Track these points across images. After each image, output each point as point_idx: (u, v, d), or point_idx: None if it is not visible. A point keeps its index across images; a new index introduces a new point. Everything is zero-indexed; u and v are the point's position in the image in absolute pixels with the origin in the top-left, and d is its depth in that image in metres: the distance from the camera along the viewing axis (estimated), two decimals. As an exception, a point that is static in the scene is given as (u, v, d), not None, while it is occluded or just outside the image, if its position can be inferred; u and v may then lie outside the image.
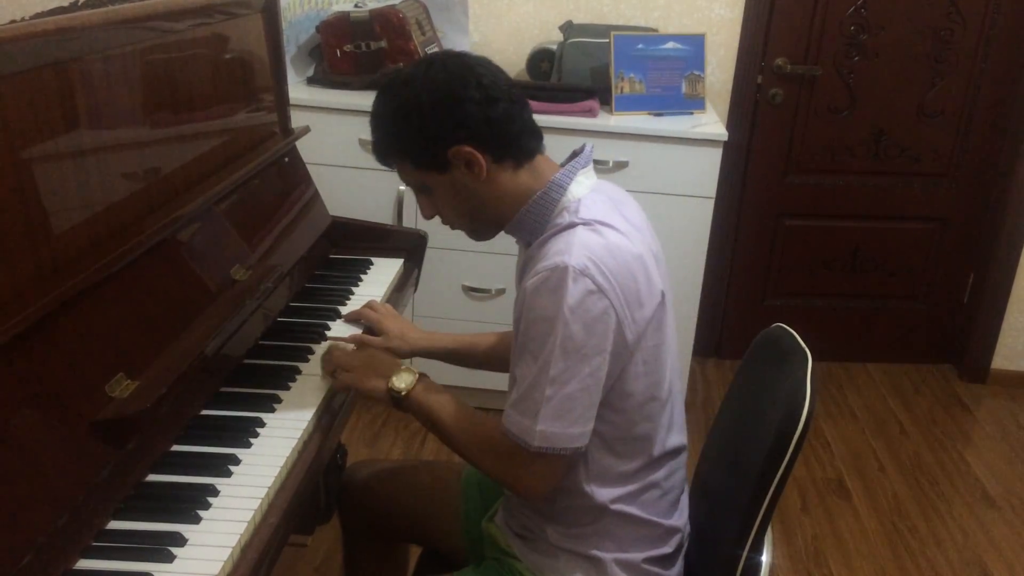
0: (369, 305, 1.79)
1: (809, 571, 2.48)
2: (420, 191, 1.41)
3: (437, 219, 1.46)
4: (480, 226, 1.44)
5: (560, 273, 1.25)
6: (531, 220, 1.37)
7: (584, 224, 1.31)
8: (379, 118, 1.38)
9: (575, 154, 1.42)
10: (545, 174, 1.38)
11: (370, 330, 1.77)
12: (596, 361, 1.27)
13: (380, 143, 1.39)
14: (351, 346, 1.60)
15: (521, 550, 1.46)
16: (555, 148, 1.47)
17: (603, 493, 1.38)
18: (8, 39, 1.17)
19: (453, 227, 1.46)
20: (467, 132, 1.32)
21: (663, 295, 1.35)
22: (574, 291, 1.24)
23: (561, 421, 1.27)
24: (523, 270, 1.40)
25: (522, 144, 1.37)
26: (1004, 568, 2.53)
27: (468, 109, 1.31)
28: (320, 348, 1.69)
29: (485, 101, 1.31)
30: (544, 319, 1.26)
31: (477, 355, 1.73)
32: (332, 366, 1.51)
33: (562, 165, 1.40)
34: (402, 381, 1.43)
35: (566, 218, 1.34)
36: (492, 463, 1.37)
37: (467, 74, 1.32)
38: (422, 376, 1.45)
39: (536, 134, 1.40)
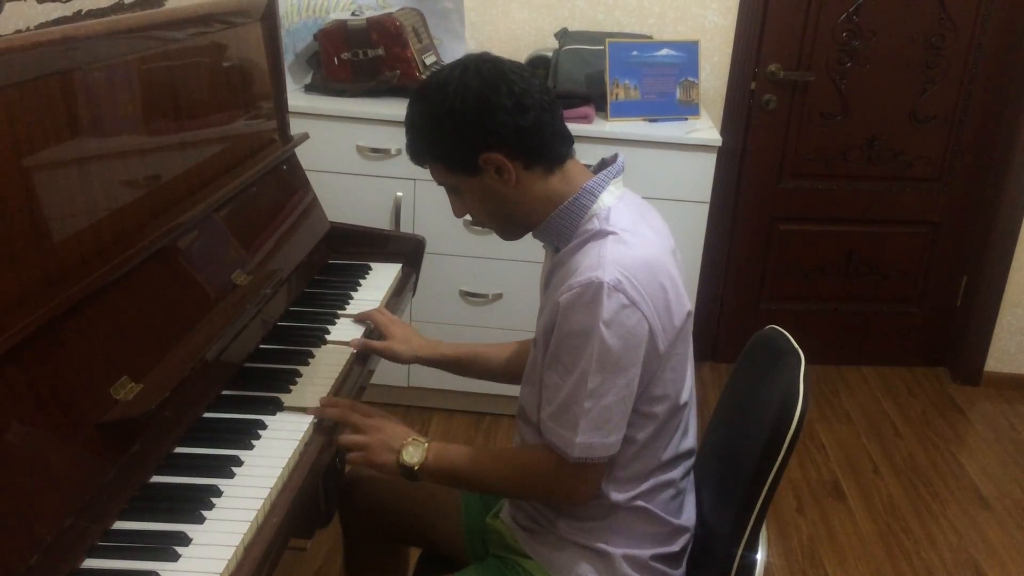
0: (379, 310, 1.82)
1: (804, 572, 2.50)
2: (451, 191, 1.44)
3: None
4: (509, 227, 1.46)
5: (595, 289, 1.27)
6: (560, 225, 1.40)
7: (613, 234, 1.34)
8: (413, 121, 1.40)
9: (605, 163, 1.45)
10: (576, 180, 1.41)
11: (372, 334, 1.79)
12: (631, 373, 1.30)
13: (414, 145, 1.41)
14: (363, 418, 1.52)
15: (528, 543, 1.48)
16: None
17: (618, 489, 1.41)
18: (13, 49, 1.19)
19: (483, 227, 1.49)
20: (497, 139, 1.34)
21: (689, 306, 1.39)
22: (609, 306, 1.27)
23: (600, 432, 1.31)
24: (550, 275, 1.43)
25: (553, 151, 1.39)
26: (998, 568, 2.55)
27: (499, 117, 1.33)
28: (320, 352, 1.71)
29: (516, 109, 1.33)
30: (580, 333, 1.29)
31: (484, 367, 1.74)
32: (346, 441, 1.47)
33: (594, 172, 1.43)
34: (412, 456, 1.42)
35: (596, 225, 1.36)
36: (533, 485, 1.40)
37: (500, 81, 1.33)
38: (431, 443, 1.44)
39: (567, 139, 1.42)
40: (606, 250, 1.31)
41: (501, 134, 1.34)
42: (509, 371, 1.71)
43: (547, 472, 1.36)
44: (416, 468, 1.42)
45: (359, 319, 1.83)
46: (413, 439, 1.44)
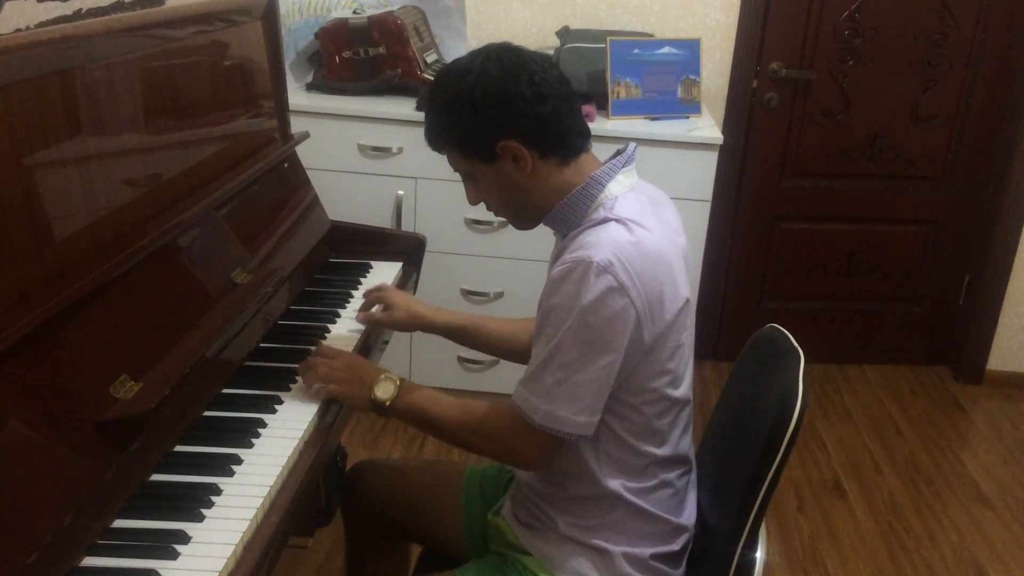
0: (378, 287, 1.84)
1: (806, 571, 2.50)
2: (467, 178, 1.46)
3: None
4: (522, 216, 1.48)
5: (584, 266, 1.28)
6: (568, 213, 1.41)
7: (617, 220, 1.35)
8: (432, 107, 1.41)
9: (619, 153, 1.46)
10: (587, 171, 1.42)
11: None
12: (610, 356, 1.30)
13: (432, 130, 1.43)
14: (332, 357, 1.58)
15: (528, 540, 1.49)
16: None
17: (616, 485, 1.41)
18: (13, 47, 1.19)
19: (497, 215, 1.51)
20: (516, 128, 1.35)
21: (687, 300, 1.39)
22: (595, 286, 1.27)
23: (569, 407, 1.31)
24: (555, 259, 1.44)
25: (569, 142, 1.40)
26: (999, 567, 2.55)
27: (518, 106, 1.34)
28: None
29: (535, 98, 1.35)
30: (562, 307, 1.30)
31: (484, 338, 1.75)
32: (314, 379, 1.52)
33: (605, 163, 1.44)
34: (383, 391, 1.47)
35: (601, 213, 1.38)
36: (492, 443, 1.42)
37: (520, 70, 1.35)
38: (403, 381, 1.48)
39: (584, 133, 1.43)
40: (605, 233, 1.33)
41: (520, 123, 1.35)
42: (510, 346, 1.73)
43: (507, 432, 1.38)
44: (387, 404, 1.46)
45: (366, 307, 1.83)
46: (385, 375, 1.48)
